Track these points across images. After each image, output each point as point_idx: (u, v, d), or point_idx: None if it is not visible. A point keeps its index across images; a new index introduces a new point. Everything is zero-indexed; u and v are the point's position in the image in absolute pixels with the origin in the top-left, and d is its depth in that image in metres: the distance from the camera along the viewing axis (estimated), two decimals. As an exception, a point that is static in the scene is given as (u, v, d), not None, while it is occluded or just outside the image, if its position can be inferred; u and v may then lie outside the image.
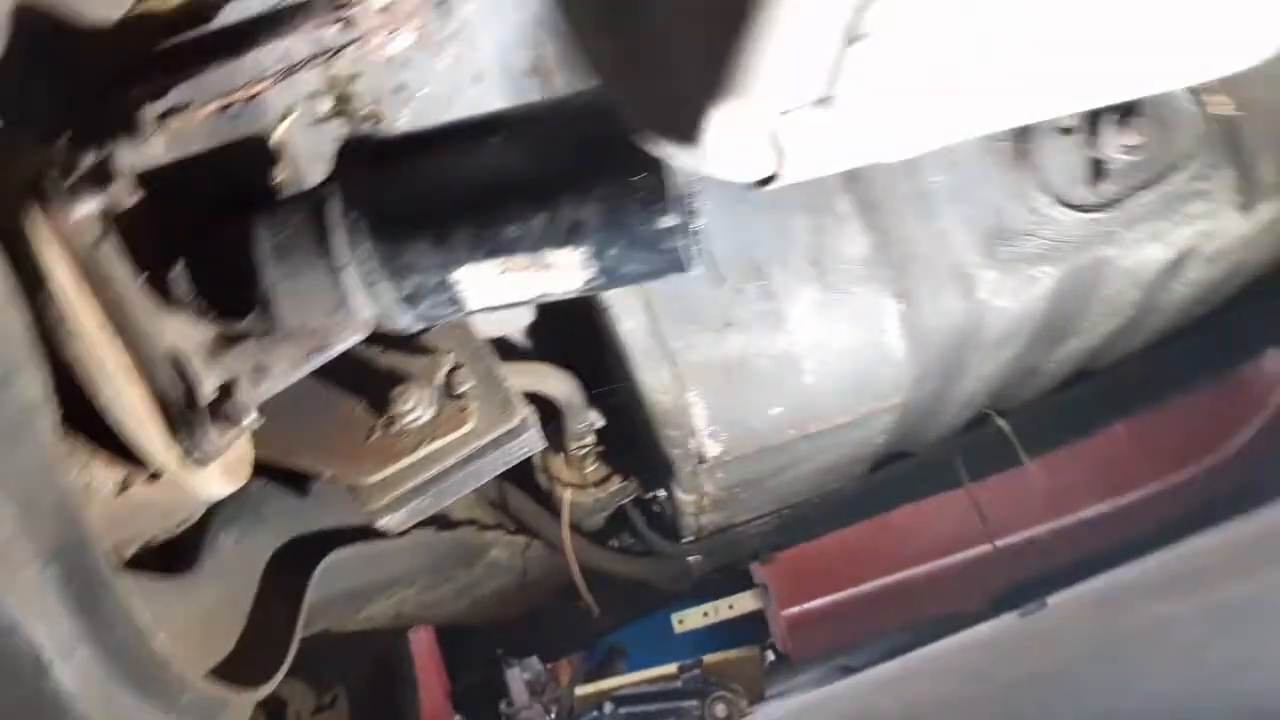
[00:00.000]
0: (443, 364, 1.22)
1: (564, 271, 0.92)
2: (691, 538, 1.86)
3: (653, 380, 1.38)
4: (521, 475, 1.78)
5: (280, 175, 1.19)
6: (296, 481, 1.32)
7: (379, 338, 1.11)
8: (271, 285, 0.90)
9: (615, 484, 1.74)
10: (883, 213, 1.32)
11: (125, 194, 0.85)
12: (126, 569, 1.05)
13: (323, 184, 0.93)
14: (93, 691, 0.80)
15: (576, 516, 1.81)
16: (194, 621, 1.10)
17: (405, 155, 0.94)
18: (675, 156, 0.63)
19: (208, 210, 0.97)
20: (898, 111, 0.53)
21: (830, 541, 2.88)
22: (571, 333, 1.51)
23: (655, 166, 0.86)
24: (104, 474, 0.94)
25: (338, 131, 1.29)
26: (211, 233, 0.93)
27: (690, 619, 4.17)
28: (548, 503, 1.79)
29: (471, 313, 0.98)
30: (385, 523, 1.24)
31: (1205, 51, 0.56)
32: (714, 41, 0.43)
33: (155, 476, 0.95)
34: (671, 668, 4.02)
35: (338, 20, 1.15)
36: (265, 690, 1.07)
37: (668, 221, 0.89)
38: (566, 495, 1.73)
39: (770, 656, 4.10)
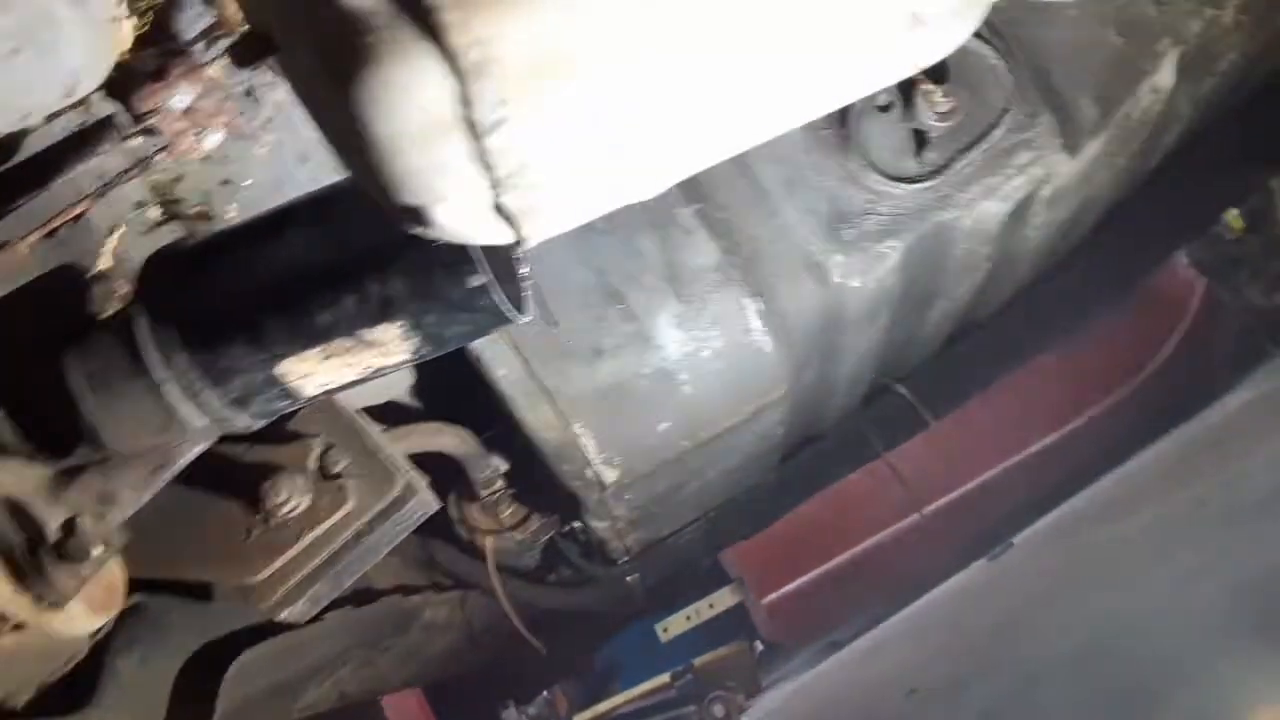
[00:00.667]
0: (313, 448, 1.22)
1: (388, 346, 0.93)
2: (624, 558, 1.86)
3: (536, 419, 1.39)
4: (444, 530, 1.78)
5: (121, 292, 1.18)
6: (194, 590, 1.30)
7: (242, 435, 1.10)
8: (91, 414, 0.90)
9: (535, 523, 1.75)
10: (725, 217, 1.34)
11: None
12: (21, 717, 1.03)
13: (130, 303, 0.92)
14: None
15: (507, 559, 1.81)
16: (100, 756, 1.08)
17: (207, 260, 0.93)
18: (421, 235, 0.63)
19: (25, 350, 0.96)
20: (611, 168, 0.54)
21: (791, 523, 2.91)
22: (459, 381, 1.51)
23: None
24: (-35, 632, 0.93)
25: (172, 235, 1.28)
26: (26, 373, 0.92)
27: (674, 625, 4.18)
28: (474, 552, 1.78)
29: (311, 400, 0.98)
30: (287, 615, 1.23)
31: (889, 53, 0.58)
32: (359, 153, 0.43)
33: (19, 626, 0.94)
34: (664, 678, 4.03)
35: (141, 131, 1.15)
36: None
37: (476, 280, 0.89)
38: (489, 543, 1.73)
39: (760, 647, 4.12)
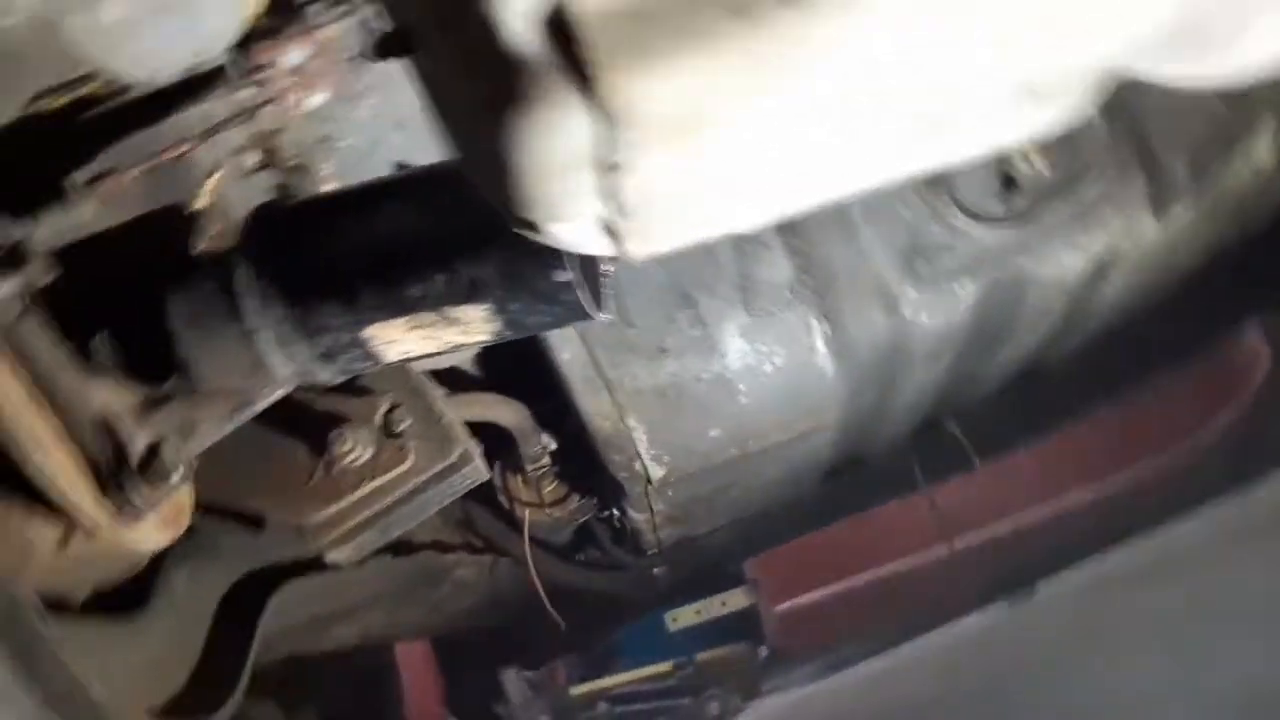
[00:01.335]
0: (380, 405, 1.27)
1: (470, 326, 0.97)
2: (654, 551, 1.90)
3: (593, 407, 1.43)
4: (485, 496, 1.83)
5: (213, 230, 1.24)
6: (249, 519, 1.36)
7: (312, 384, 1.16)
8: (188, 351, 0.95)
9: (573, 503, 1.79)
10: (804, 236, 1.36)
11: (41, 273, 0.89)
12: (75, 615, 1.10)
13: (232, 251, 0.97)
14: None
15: (540, 532, 1.85)
16: (145, 660, 1.15)
17: (312, 220, 0.98)
18: (529, 236, 0.67)
19: (131, 278, 1.02)
20: (717, 205, 0.57)
21: (818, 538, 2.93)
22: (523, 357, 1.56)
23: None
24: (43, 531, 0.99)
25: (267, 182, 1.33)
26: (132, 301, 0.98)
27: (683, 617, 4.21)
28: (511, 521, 1.83)
29: (389, 364, 1.03)
30: (334, 557, 1.29)
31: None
32: (494, 171, 0.47)
33: (92, 532, 1.00)
34: (666, 666, 4.08)
35: (252, 83, 1.20)
36: (212, 724, 1.12)
37: (563, 276, 0.92)
38: (526, 515, 1.78)
39: (764, 653, 4.14)
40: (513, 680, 3.28)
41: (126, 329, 0.99)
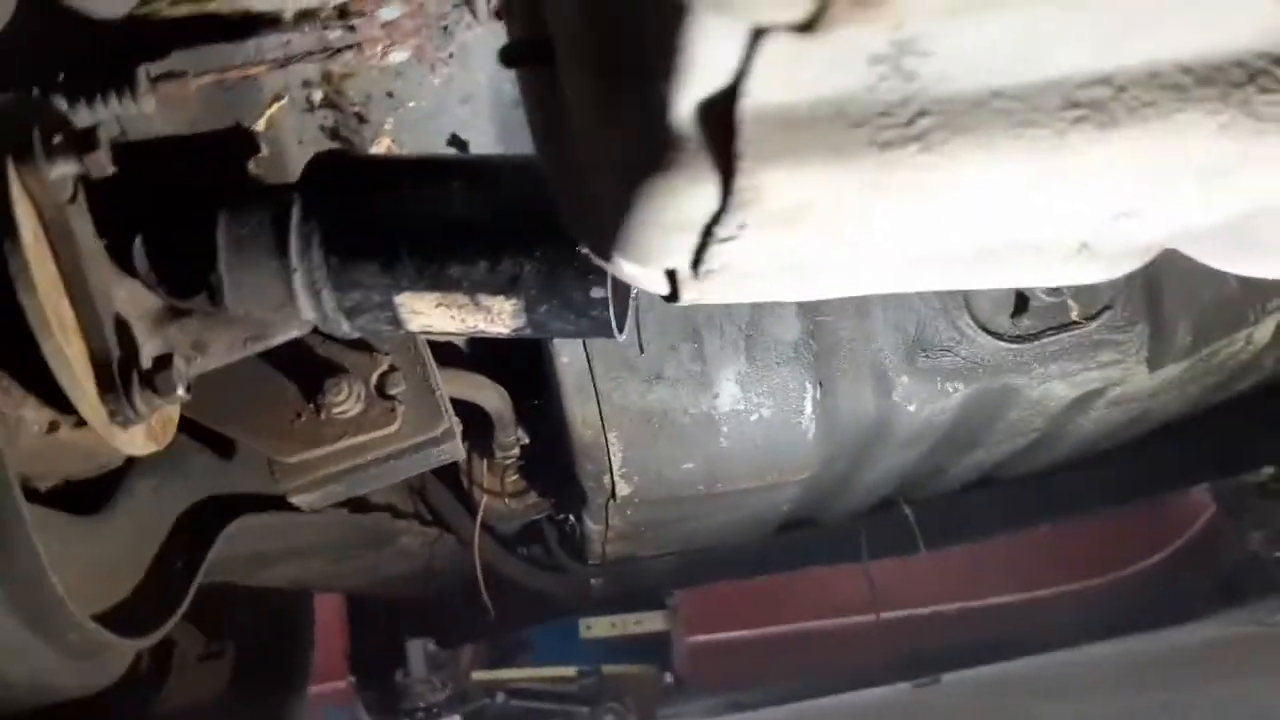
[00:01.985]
0: (379, 364, 1.28)
1: (496, 316, 0.99)
2: (596, 561, 1.93)
3: (579, 413, 1.46)
4: (446, 471, 1.85)
5: (261, 155, 1.26)
6: (222, 443, 1.37)
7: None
8: (225, 272, 0.97)
9: (531, 498, 1.81)
10: (819, 303, 1.41)
11: (104, 163, 0.91)
12: (39, 502, 1.11)
13: (289, 188, 0.99)
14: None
15: (491, 521, 1.88)
16: (96, 561, 1.16)
17: (371, 177, 1.00)
18: (591, 258, 0.70)
19: (177, 191, 1.03)
20: (776, 279, 0.61)
21: (748, 582, 2.97)
22: (517, 349, 1.58)
23: (595, 240, 0.93)
24: (35, 414, 1.00)
25: (324, 121, 1.35)
26: (177, 212, 1.00)
27: (598, 627, 4.25)
28: (466, 502, 1.86)
29: (408, 333, 1.05)
30: (298, 500, 1.30)
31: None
32: (608, 210, 0.50)
33: (83, 424, 1.01)
34: (570, 671, 4.10)
35: (343, 26, 1.22)
36: (148, 641, 1.13)
37: (599, 293, 0.96)
38: (484, 500, 1.80)
39: (668, 679, 4.19)
40: (417, 652, 3.29)
41: (164, 241, 1.00)
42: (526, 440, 1.70)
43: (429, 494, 1.86)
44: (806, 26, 0.36)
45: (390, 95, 1.36)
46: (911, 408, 1.43)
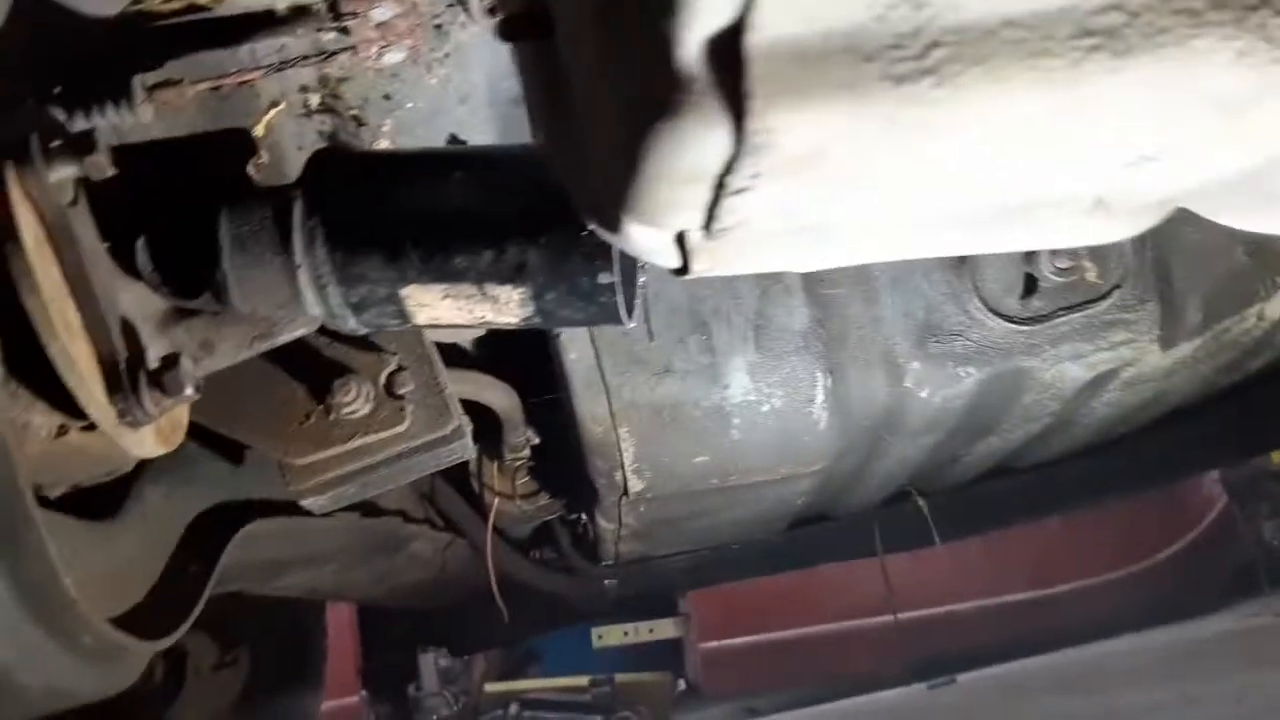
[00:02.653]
0: (387, 364, 1.28)
1: (504, 305, 0.99)
2: (610, 562, 1.92)
3: (589, 410, 1.45)
4: (456, 475, 1.84)
5: (260, 160, 1.25)
6: (232, 449, 1.37)
7: (330, 330, 1.17)
8: (229, 270, 0.96)
9: (543, 500, 1.81)
10: (826, 290, 1.40)
11: (103, 165, 0.90)
12: (50, 509, 1.10)
13: (291, 185, 0.99)
14: (1, 620, 0.86)
15: (503, 524, 1.87)
16: (108, 568, 1.15)
17: (372, 172, 1.00)
18: (600, 233, 0.69)
19: (179, 191, 1.03)
20: (792, 241, 0.60)
21: (760, 585, 2.96)
22: (524, 348, 1.58)
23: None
24: (43, 418, 0.99)
25: (322, 126, 1.35)
26: (178, 213, 0.99)
27: (610, 635, 4.23)
28: (477, 506, 1.85)
29: (416, 327, 1.05)
30: (309, 503, 1.29)
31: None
32: (615, 166, 0.49)
33: (92, 427, 1.00)
34: (583, 680, 4.08)
35: (336, 28, 1.22)
36: (163, 644, 1.12)
37: (606, 278, 0.95)
38: (495, 503, 1.79)
39: (681, 686, 4.17)
40: (429, 665, 3.27)
41: (167, 241, 1.00)
42: (536, 440, 1.69)
43: (439, 498, 1.85)
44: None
45: (387, 98, 1.36)
46: (924, 394, 1.41)
